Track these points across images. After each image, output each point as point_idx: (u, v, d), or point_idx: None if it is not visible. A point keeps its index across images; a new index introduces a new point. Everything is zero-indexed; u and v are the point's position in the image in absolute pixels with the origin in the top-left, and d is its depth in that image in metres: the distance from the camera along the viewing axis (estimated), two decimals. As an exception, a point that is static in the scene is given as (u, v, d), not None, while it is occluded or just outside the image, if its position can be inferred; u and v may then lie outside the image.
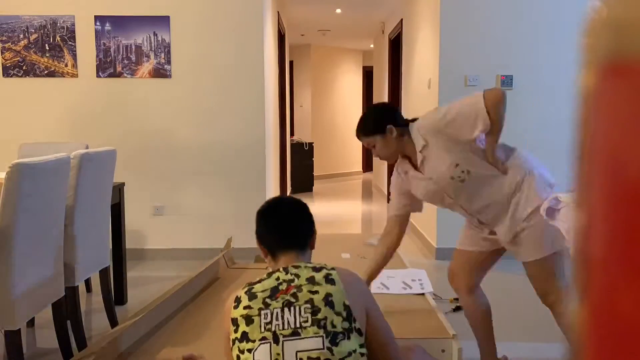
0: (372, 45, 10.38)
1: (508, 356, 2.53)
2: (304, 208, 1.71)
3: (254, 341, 1.46)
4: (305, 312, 1.46)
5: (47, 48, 4.47)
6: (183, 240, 4.61)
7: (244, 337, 1.48)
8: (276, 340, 1.45)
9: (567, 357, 0.36)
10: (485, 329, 2.35)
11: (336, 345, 1.43)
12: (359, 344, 1.48)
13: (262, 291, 1.52)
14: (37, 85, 4.51)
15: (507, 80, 4.47)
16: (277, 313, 1.47)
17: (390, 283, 2.51)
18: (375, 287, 2.46)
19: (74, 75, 4.50)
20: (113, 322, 3.03)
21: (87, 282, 3.73)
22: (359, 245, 3.67)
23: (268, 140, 4.82)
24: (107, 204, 3.06)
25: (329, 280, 1.52)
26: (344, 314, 1.47)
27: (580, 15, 4.37)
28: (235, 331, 1.51)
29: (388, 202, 7.64)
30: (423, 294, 2.56)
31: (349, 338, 1.46)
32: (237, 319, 1.51)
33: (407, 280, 2.54)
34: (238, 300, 1.54)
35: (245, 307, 1.51)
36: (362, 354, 1.48)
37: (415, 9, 5.60)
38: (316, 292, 1.49)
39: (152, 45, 4.48)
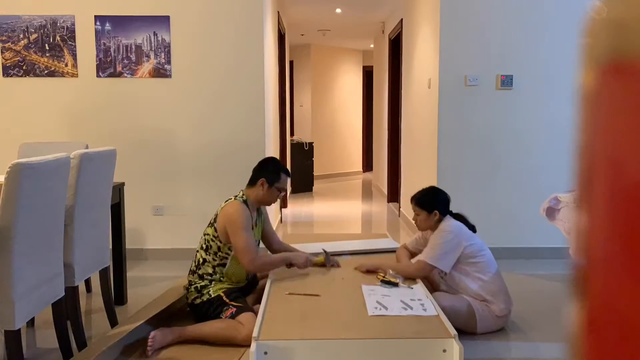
0: (372, 45, 10.38)
1: (506, 357, 2.52)
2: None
3: None
4: None
5: (47, 48, 4.47)
6: (183, 240, 4.61)
7: None
8: None
9: (567, 356, 0.36)
10: None
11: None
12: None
13: None
14: (37, 85, 4.51)
15: (507, 80, 4.47)
16: None
17: (387, 302, 2.47)
18: (372, 307, 2.40)
19: (74, 75, 4.50)
20: (113, 322, 3.03)
21: (87, 282, 3.73)
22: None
23: (268, 140, 4.82)
24: (107, 204, 3.06)
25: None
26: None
27: (580, 15, 4.37)
28: None
29: (388, 202, 7.65)
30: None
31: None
32: None
33: (405, 300, 2.50)
34: None
35: None
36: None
37: (415, 9, 5.60)
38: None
39: (152, 45, 4.48)
